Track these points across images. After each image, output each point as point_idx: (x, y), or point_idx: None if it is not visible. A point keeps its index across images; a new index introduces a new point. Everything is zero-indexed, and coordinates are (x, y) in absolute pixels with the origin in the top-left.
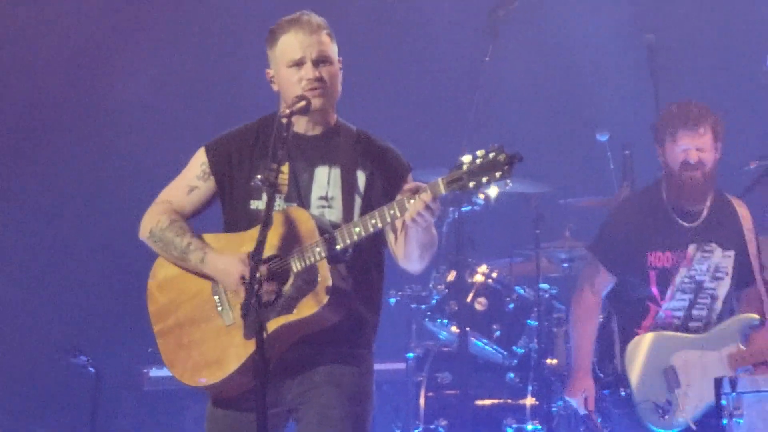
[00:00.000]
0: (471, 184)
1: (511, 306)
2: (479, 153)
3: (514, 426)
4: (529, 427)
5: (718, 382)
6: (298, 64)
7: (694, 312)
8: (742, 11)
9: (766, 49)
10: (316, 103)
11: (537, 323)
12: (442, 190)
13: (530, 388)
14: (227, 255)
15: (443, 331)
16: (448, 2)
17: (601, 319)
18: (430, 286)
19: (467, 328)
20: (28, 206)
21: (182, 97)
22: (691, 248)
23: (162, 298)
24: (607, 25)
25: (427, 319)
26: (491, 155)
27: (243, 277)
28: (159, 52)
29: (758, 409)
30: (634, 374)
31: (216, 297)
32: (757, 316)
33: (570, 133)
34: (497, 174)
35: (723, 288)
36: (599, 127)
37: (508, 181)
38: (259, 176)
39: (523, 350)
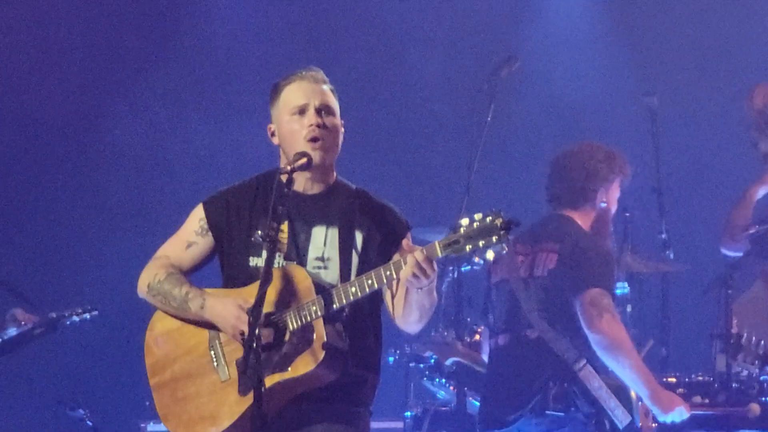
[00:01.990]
0: (467, 248)
1: None
2: (476, 217)
3: None
4: None
5: None
6: (302, 111)
7: None
8: (745, 75)
9: None
10: (316, 156)
11: None
12: (439, 253)
13: None
14: (225, 299)
15: (441, 391)
16: (448, 62)
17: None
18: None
19: (465, 388)
20: (27, 257)
21: (178, 144)
22: None
23: (159, 351)
24: (608, 87)
25: (425, 378)
26: (488, 219)
27: (241, 333)
28: (155, 98)
29: None
30: None
31: (212, 352)
32: None
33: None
34: (494, 238)
35: None
36: None
37: (504, 245)
38: (259, 232)
39: None
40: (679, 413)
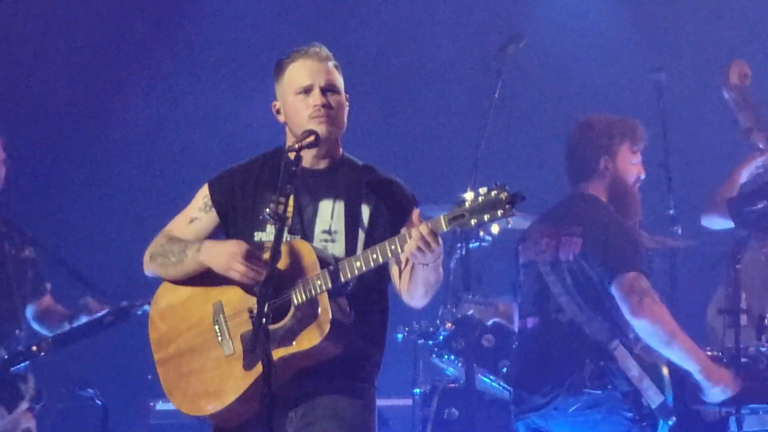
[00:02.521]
0: (472, 222)
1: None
2: (482, 191)
3: None
4: None
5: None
6: (307, 90)
7: None
8: (753, 51)
9: None
10: (322, 130)
11: None
12: (444, 226)
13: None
14: (224, 241)
15: (450, 368)
16: (455, 38)
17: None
18: (438, 322)
19: (474, 365)
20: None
21: (181, 134)
22: None
23: (163, 326)
24: (616, 63)
25: (434, 355)
26: (493, 193)
27: (250, 311)
28: (157, 89)
29: None
30: None
31: (216, 327)
32: None
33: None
34: (499, 212)
35: None
36: None
37: (510, 219)
38: (267, 210)
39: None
40: (723, 390)
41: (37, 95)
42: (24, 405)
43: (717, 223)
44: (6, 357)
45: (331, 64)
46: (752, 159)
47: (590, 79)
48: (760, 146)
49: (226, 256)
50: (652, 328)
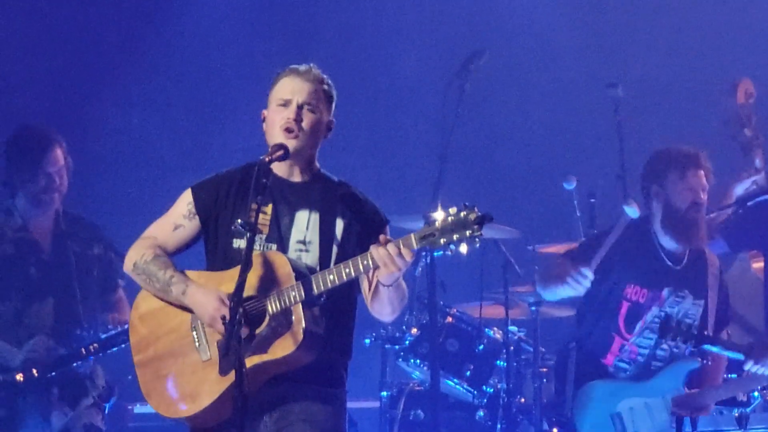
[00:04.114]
0: (442, 241)
1: (481, 347)
2: (452, 211)
3: None
4: None
5: (679, 420)
6: (286, 104)
7: (658, 352)
8: (707, 64)
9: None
10: (291, 144)
11: (506, 364)
12: (414, 245)
13: (499, 426)
14: (207, 290)
15: (416, 371)
16: (420, 56)
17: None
18: (404, 327)
19: (439, 369)
20: None
21: (167, 140)
22: (666, 291)
23: (143, 329)
24: (575, 79)
25: (400, 359)
26: (462, 214)
27: (223, 317)
28: (142, 96)
29: None
30: (585, 421)
31: (194, 333)
32: (696, 360)
33: (538, 181)
34: (467, 233)
35: None
36: (566, 176)
37: (478, 239)
38: (239, 221)
39: (493, 390)
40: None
41: (16, 105)
42: (87, 401)
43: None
44: (60, 357)
45: (317, 85)
46: (747, 177)
47: (550, 93)
48: (757, 164)
49: (209, 315)
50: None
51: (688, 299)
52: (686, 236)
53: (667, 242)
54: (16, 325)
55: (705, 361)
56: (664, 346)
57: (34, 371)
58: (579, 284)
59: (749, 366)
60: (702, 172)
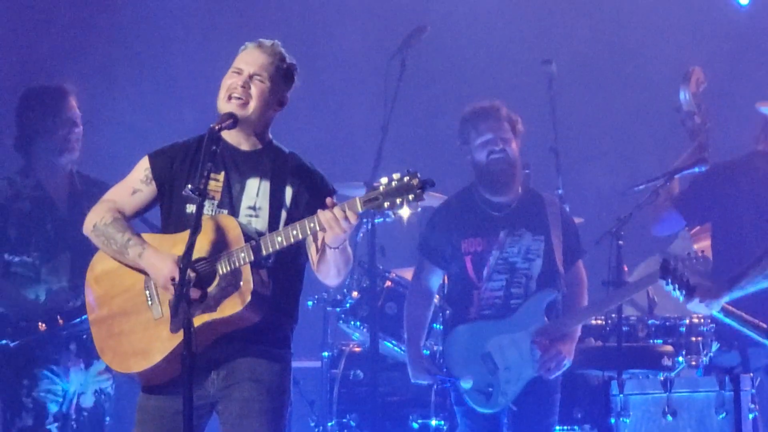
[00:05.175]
0: (386, 204)
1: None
2: (395, 176)
3: (420, 421)
4: (433, 422)
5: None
6: (238, 72)
7: (512, 290)
8: (636, 42)
9: (660, 74)
10: (235, 109)
11: (442, 327)
12: (359, 207)
13: (435, 386)
14: (162, 253)
15: (356, 333)
16: (362, 29)
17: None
18: (345, 291)
19: (378, 330)
20: None
21: (116, 123)
22: (502, 233)
23: (98, 289)
24: (510, 55)
25: (341, 321)
26: (406, 179)
27: (173, 279)
28: (91, 77)
29: (644, 409)
30: (455, 366)
31: (147, 292)
32: (553, 291)
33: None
34: (410, 196)
35: (536, 268)
36: None
37: (419, 204)
38: (189, 186)
39: (429, 351)
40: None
41: None
42: (100, 366)
43: (668, 226)
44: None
45: (274, 59)
46: (689, 159)
47: (487, 68)
48: (704, 150)
49: (164, 277)
50: None
51: (526, 236)
52: (499, 188)
53: (490, 195)
54: (34, 279)
55: (562, 291)
56: (516, 282)
57: (60, 319)
58: None
59: (693, 304)
60: (495, 123)
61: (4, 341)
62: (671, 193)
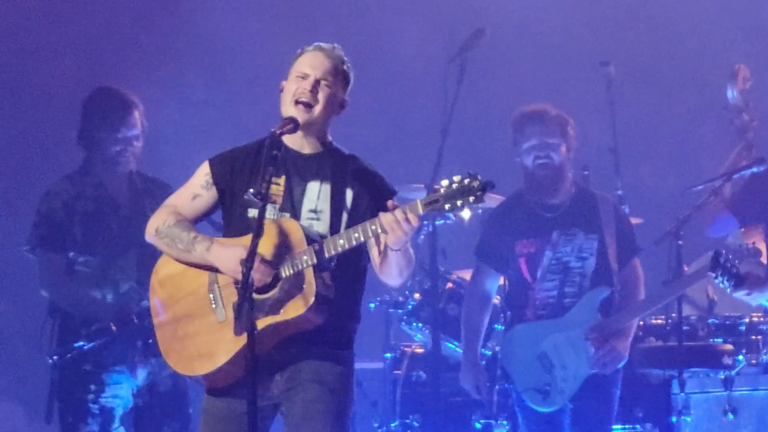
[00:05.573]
0: (446, 207)
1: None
2: (455, 178)
3: (482, 421)
4: (495, 422)
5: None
6: (303, 77)
7: (566, 289)
8: (694, 43)
9: (717, 74)
10: (301, 115)
11: (503, 327)
12: (420, 210)
13: (497, 387)
14: (230, 245)
15: (418, 334)
16: (421, 32)
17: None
18: (407, 292)
19: (440, 332)
20: None
21: (186, 133)
22: (555, 233)
23: (162, 293)
24: (569, 56)
25: (403, 323)
26: (466, 181)
27: (236, 282)
28: (161, 91)
29: (705, 408)
30: (513, 367)
31: (211, 295)
32: (607, 288)
33: None
34: (470, 198)
35: (589, 267)
36: None
37: (480, 205)
38: (251, 190)
39: (491, 352)
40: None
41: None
42: None
43: (722, 228)
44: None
45: (337, 63)
46: (739, 156)
47: (545, 70)
48: (751, 146)
49: (235, 262)
50: None
51: (579, 235)
52: (544, 192)
53: (540, 198)
54: (102, 279)
55: (616, 288)
56: (570, 282)
57: (135, 319)
58: None
59: (740, 293)
60: (542, 127)
61: (79, 344)
62: (723, 194)
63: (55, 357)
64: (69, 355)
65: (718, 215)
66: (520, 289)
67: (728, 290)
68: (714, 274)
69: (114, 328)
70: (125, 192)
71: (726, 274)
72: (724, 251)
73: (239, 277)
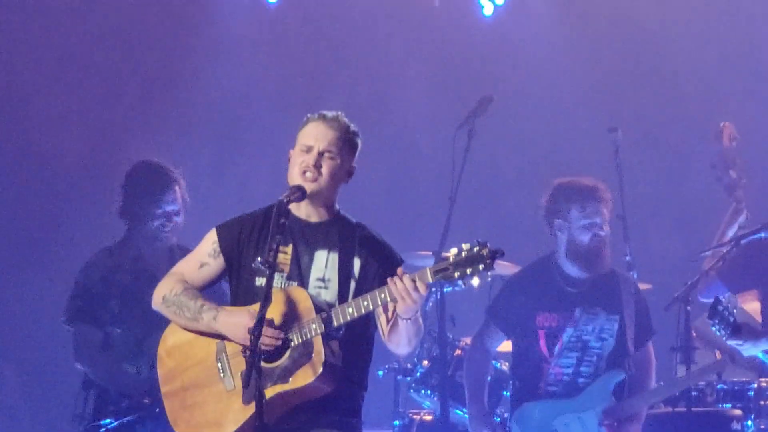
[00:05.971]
0: (456, 275)
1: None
2: (465, 246)
3: None
4: None
5: None
6: (307, 150)
7: (582, 369)
8: (702, 105)
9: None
10: (308, 187)
11: (510, 396)
12: (429, 278)
13: None
14: (237, 312)
15: (427, 401)
16: (429, 98)
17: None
18: (415, 360)
19: (449, 399)
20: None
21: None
22: (578, 311)
23: (170, 362)
24: (577, 122)
25: (412, 390)
26: (475, 249)
27: (244, 350)
28: (166, 138)
29: None
30: None
31: (219, 364)
32: (622, 372)
33: (542, 221)
34: (480, 266)
35: (607, 348)
36: None
37: (489, 273)
38: (259, 258)
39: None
40: None
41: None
42: None
43: (713, 294)
44: None
45: (341, 133)
46: (732, 219)
47: (554, 137)
48: (738, 204)
49: (243, 330)
50: None
51: (601, 315)
52: (590, 265)
53: (573, 271)
54: (137, 353)
55: (631, 372)
56: (587, 361)
57: None
58: None
59: (735, 342)
60: (601, 205)
61: (107, 420)
62: (714, 260)
63: None
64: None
65: (710, 281)
66: (534, 361)
67: (723, 338)
68: (711, 322)
69: (147, 401)
70: (165, 266)
71: (723, 322)
72: (723, 299)
73: (248, 343)
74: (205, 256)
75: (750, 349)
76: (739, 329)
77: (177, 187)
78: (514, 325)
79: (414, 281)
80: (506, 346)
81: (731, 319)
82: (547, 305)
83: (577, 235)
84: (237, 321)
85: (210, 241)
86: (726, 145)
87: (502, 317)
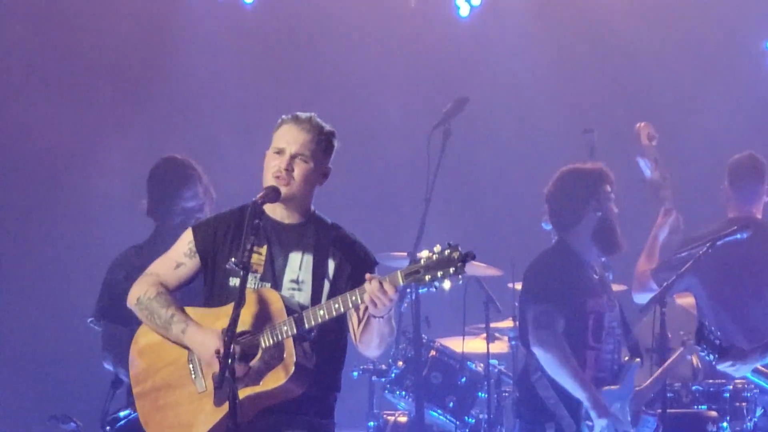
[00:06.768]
0: (427, 278)
1: (464, 380)
2: (436, 249)
3: None
4: None
5: None
6: (279, 152)
7: (616, 355)
8: (678, 106)
9: (702, 143)
10: (281, 190)
11: (487, 396)
12: (400, 281)
13: None
14: (206, 329)
15: (401, 402)
16: (405, 100)
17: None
18: (390, 361)
19: (423, 400)
20: (20, 285)
21: None
22: (605, 297)
23: (142, 363)
24: (553, 124)
25: (386, 391)
26: (447, 252)
27: (218, 351)
28: (135, 149)
29: None
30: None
31: (191, 365)
32: (639, 359)
33: (517, 222)
34: (451, 269)
35: (623, 335)
36: (544, 217)
37: (460, 276)
38: (233, 259)
39: (474, 420)
40: (607, 426)
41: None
42: None
43: (648, 297)
44: None
45: (314, 135)
46: (663, 221)
47: (529, 138)
48: (666, 204)
49: (209, 353)
50: (544, 357)
51: (614, 303)
52: (615, 244)
53: (591, 256)
54: None
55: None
56: (618, 349)
57: None
58: None
59: (724, 365)
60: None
61: (126, 412)
62: (652, 257)
63: (107, 428)
64: (119, 424)
65: (645, 282)
66: (576, 347)
67: (713, 362)
68: (700, 347)
69: None
70: None
71: (710, 346)
72: (706, 323)
73: (215, 365)
74: (181, 256)
75: (741, 369)
76: (727, 352)
77: (198, 183)
78: (568, 309)
79: (383, 284)
80: (501, 346)
81: (717, 342)
82: (593, 290)
83: (609, 213)
84: (204, 341)
85: (186, 240)
86: (645, 144)
87: (561, 301)
